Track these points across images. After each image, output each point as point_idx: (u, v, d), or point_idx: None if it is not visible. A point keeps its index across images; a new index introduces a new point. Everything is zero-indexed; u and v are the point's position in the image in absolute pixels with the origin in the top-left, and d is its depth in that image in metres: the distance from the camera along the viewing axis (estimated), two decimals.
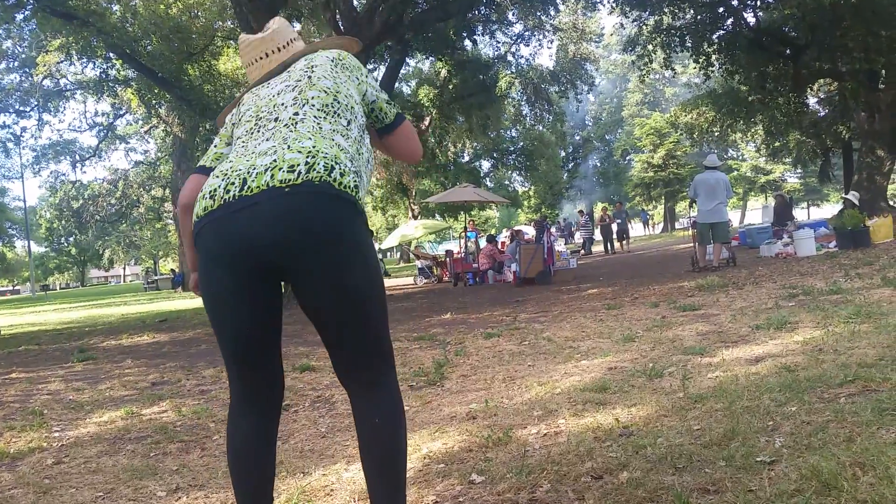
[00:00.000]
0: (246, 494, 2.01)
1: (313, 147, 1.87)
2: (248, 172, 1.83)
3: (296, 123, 1.95)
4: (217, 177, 1.90)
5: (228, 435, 2.05)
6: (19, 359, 9.28)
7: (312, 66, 2.19)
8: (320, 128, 1.95)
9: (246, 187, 1.80)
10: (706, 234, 11.79)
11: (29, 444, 4.22)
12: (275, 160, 1.83)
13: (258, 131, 2.01)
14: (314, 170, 1.81)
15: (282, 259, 1.82)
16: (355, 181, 1.90)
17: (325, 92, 2.07)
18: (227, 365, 2.04)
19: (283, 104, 2.05)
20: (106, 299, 31.32)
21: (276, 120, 2.00)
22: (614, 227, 25.30)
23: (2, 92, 24.52)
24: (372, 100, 2.25)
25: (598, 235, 26.83)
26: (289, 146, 1.87)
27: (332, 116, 2.01)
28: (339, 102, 2.07)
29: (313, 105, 2.02)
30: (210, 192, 1.88)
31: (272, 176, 1.80)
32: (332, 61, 2.23)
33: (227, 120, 2.27)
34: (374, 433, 1.96)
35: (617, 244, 25.10)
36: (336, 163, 1.86)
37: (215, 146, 2.23)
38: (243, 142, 2.02)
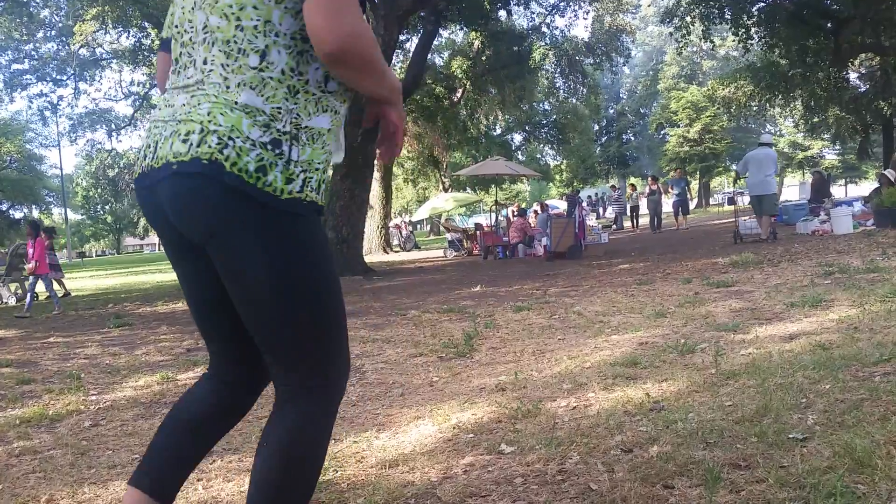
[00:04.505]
0: (153, 457, 1.87)
1: (208, 114, 1.53)
2: (160, 135, 1.61)
3: (202, 79, 1.61)
4: (147, 128, 1.71)
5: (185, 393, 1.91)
6: (57, 323, 9.49)
7: None
8: (227, 85, 1.56)
9: (154, 157, 1.60)
10: (757, 206, 12.16)
11: (67, 406, 4.33)
12: (178, 125, 1.58)
13: (181, 72, 1.70)
14: (205, 142, 1.50)
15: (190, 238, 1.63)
16: (260, 159, 1.50)
17: (226, 18, 1.57)
18: None
19: (193, 34, 1.66)
20: (141, 267, 31.80)
21: (193, 64, 1.65)
22: (669, 199, 21.57)
23: (39, 61, 24.77)
24: None
25: (643, 208, 23.44)
26: (192, 108, 1.58)
27: (238, 58, 1.56)
28: (242, 30, 1.56)
29: (216, 44, 1.59)
30: (142, 151, 1.70)
31: (171, 145, 1.55)
32: None
33: None
34: (258, 460, 1.62)
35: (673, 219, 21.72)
36: (232, 138, 1.50)
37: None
38: (172, 82, 1.74)
